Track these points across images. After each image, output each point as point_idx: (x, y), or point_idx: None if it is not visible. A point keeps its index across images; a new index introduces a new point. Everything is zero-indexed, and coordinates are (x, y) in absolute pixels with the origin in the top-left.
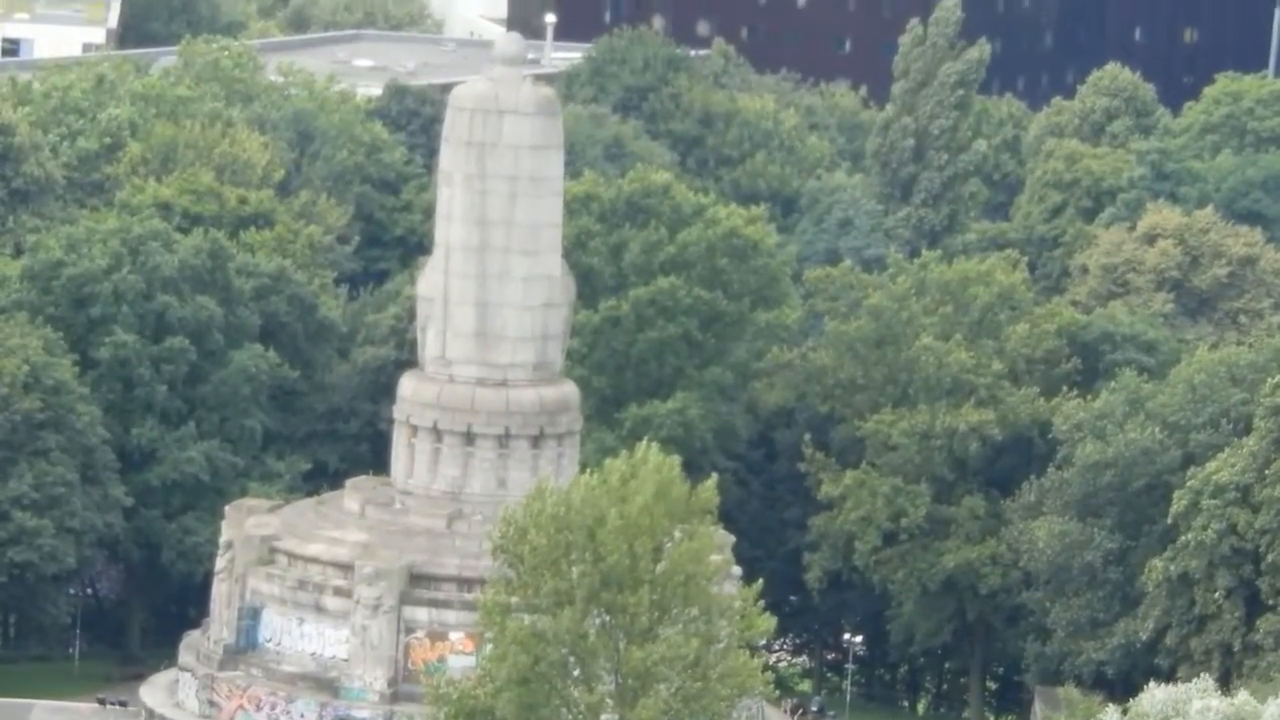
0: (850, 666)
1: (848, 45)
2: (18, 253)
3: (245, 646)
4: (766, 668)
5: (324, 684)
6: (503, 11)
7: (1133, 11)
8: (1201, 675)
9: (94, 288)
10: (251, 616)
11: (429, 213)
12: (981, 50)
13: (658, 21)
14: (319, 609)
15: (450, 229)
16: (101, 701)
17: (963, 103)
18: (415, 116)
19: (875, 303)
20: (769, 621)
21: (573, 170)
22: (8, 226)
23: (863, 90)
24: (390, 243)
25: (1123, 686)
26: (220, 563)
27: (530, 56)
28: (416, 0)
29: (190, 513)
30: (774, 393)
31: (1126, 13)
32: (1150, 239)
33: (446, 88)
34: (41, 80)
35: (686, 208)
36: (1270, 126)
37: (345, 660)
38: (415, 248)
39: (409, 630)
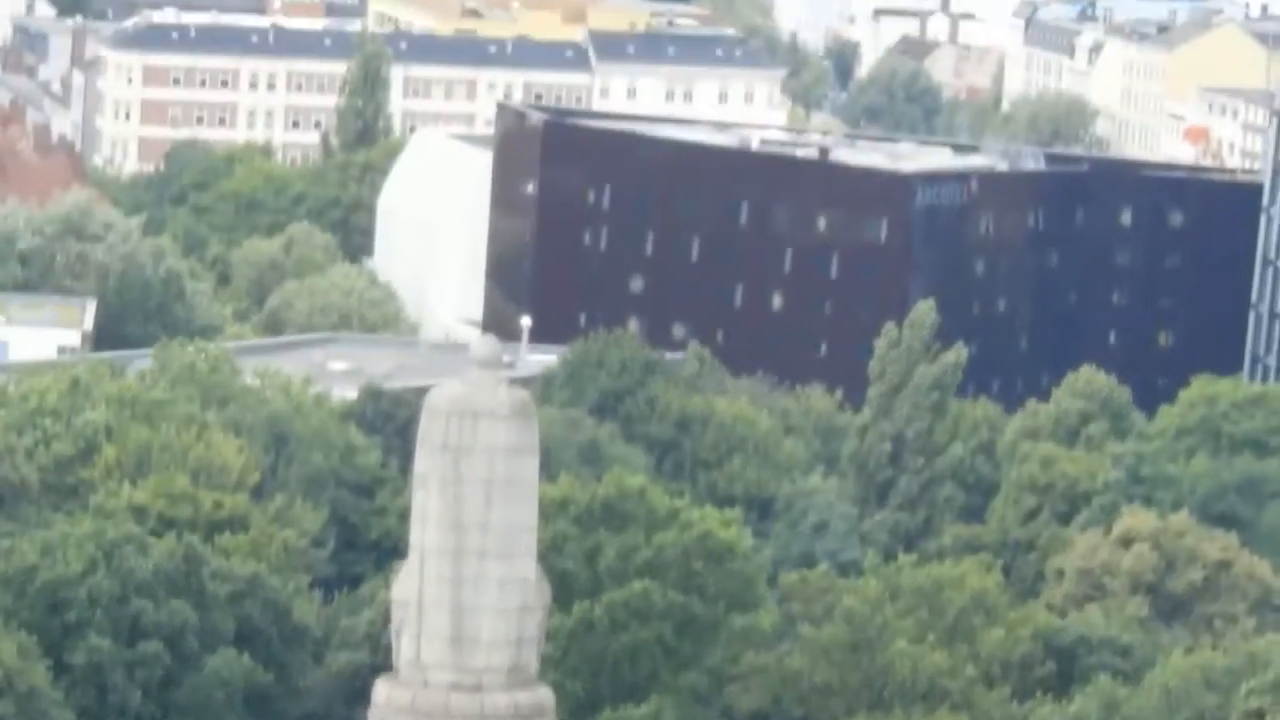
0: None
1: (823, 348)
2: None
3: None
4: None
5: None
6: (478, 314)
7: (1107, 315)
8: None
9: (69, 592)
10: None
11: (404, 516)
12: (958, 354)
13: (633, 324)
14: None
15: (425, 533)
16: None
17: (939, 406)
18: (391, 419)
19: (849, 607)
20: None
21: (548, 473)
22: None
23: (838, 393)
24: (365, 546)
25: None
26: None
27: (506, 359)
28: (392, 303)
29: None
30: (749, 697)
31: (1101, 316)
32: (1126, 543)
33: (422, 390)
34: (16, 383)
35: (661, 510)
36: (1245, 430)
37: None
38: (390, 552)
39: None
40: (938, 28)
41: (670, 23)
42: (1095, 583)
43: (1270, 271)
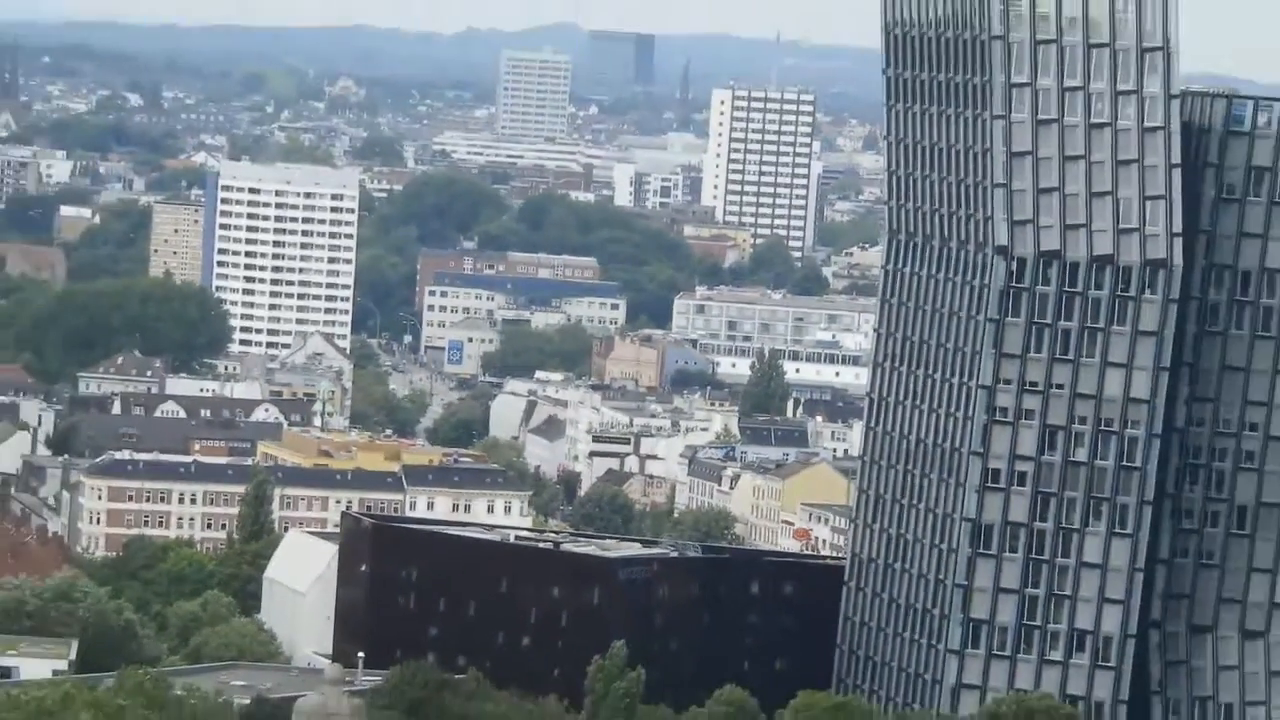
0: None
1: (557, 672)
2: None
3: None
4: None
5: None
6: (329, 650)
7: (741, 651)
8: None
9: None
10: None
11: None
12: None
13: (431, 656)
14: None
15: None
16: None
17: None
18: (273, 718)
19: None
20: None
21: None
22: None
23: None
24: None
25: None
26: None
27: (347, 679)
28: (273, 643)
29: None
30: None
31: (737, 653)
32: None
33: (293, 699)
34: (24, 693)
35: None
36: None
37: None
38: None
39: None
40: (631, 464)
41: (456, 460)
42: None
43: (849, 626)
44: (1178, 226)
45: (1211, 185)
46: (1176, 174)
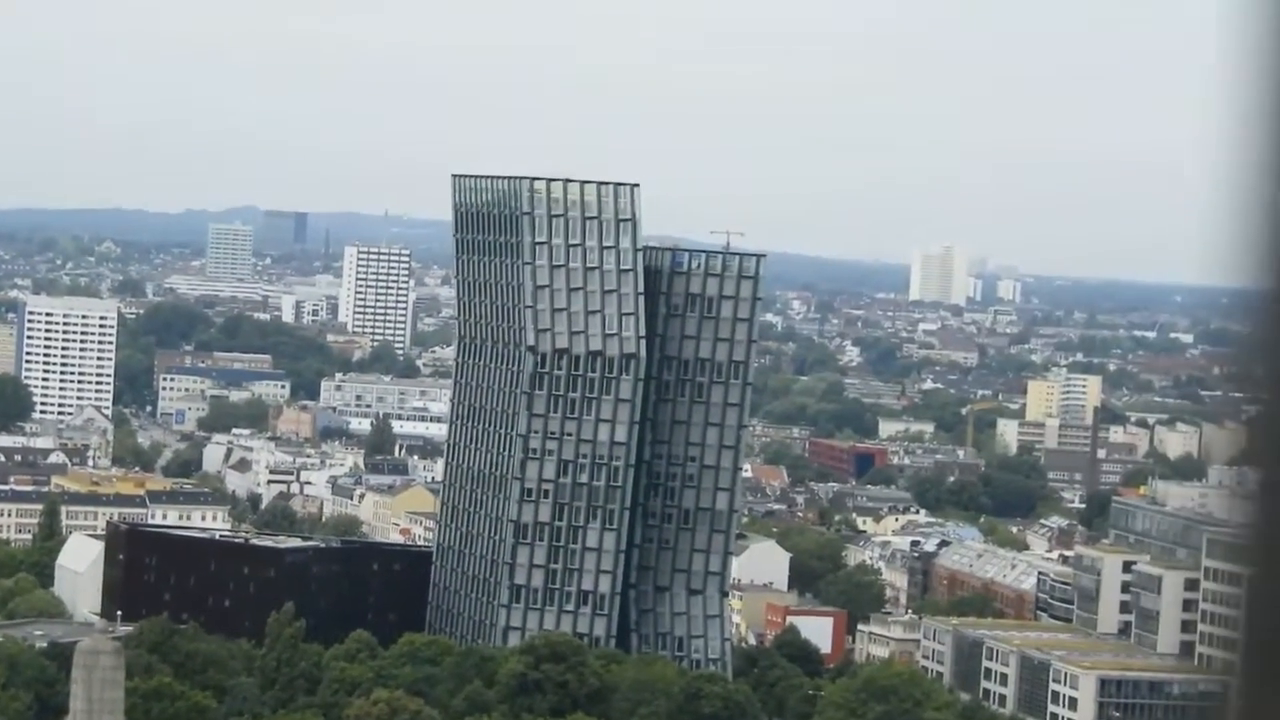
0: None
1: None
2: None
3: None
4: None
5: None
6: (99, 609)
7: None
8: None
9: None
10: None
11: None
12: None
13: (165, 614)
14: None
15: (75, 702)
16: None
17: None
18: (64, 654)
19: None
20: None
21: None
22: None
23: None
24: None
25: None
26: None
27: (111, 629)
28: (61, 606)
29: None
30: None
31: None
32: None
33: (75, 641)
34: None
35: None
36: None
37: None
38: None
39: None
40: (295, 488)
41: (181, 487)
42: None
43: (436, 590)
44: (643, 332)
45: (663, 305)
46: (641, 299)
